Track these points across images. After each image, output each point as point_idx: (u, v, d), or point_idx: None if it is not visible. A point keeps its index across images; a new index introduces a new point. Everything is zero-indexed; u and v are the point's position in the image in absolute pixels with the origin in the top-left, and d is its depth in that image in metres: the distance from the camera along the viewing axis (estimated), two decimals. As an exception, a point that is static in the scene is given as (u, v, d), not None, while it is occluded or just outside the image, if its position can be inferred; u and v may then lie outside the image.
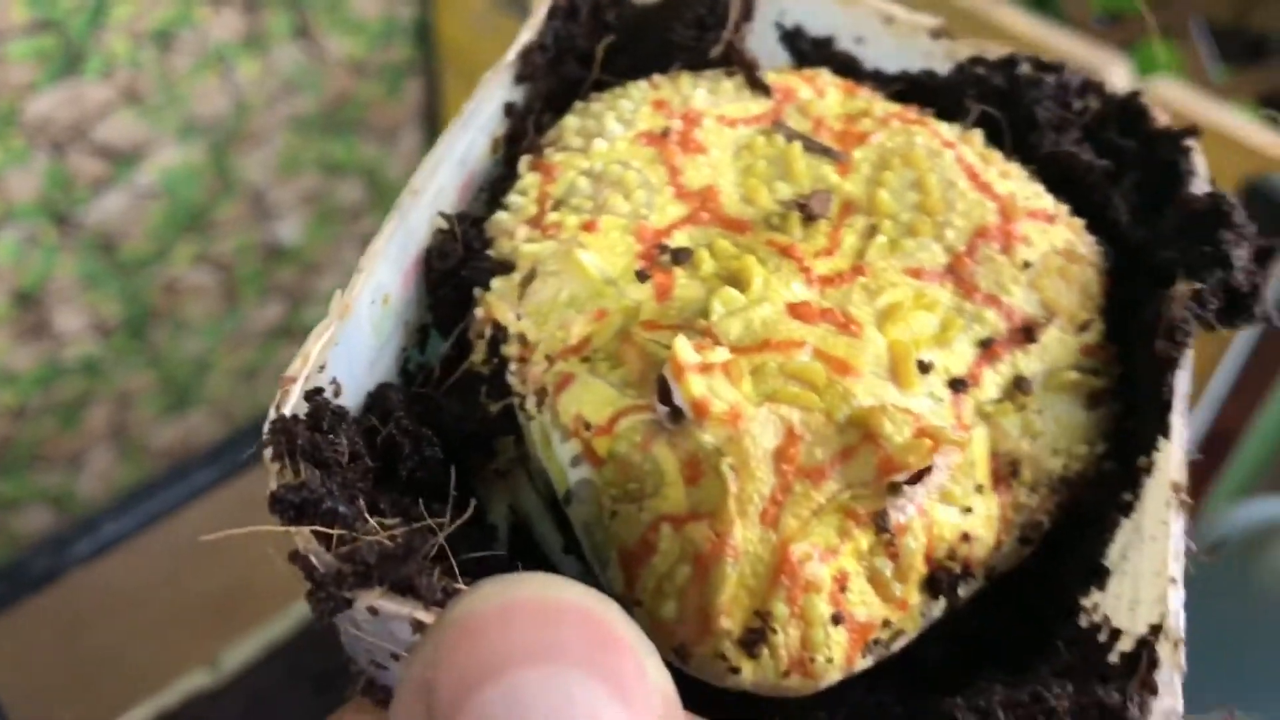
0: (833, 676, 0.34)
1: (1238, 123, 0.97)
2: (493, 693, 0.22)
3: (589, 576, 0.36)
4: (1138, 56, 1.09)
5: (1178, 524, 0.35)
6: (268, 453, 0.34)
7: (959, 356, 0.39)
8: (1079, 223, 0.45)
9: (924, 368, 0.38)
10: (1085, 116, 0.48)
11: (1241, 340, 1.02)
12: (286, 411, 0.36)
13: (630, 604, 0.34)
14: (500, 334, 0.42)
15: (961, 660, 0.39)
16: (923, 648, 0.38)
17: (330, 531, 0.32)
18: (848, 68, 0.51)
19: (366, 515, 0.33)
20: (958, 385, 0.39)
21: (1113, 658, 0.33)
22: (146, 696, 1.27)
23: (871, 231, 0.42)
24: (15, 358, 1.61)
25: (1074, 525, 0.40)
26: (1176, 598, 0.33)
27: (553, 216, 0.43)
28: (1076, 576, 0.37)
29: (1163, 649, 0.32)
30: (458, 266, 0.44)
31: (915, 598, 0.36)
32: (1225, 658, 0.62)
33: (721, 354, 0.35)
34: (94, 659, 1.55)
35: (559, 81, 0.49)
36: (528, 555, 0.42)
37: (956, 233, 0.42)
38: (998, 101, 0.48)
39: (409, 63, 1.81)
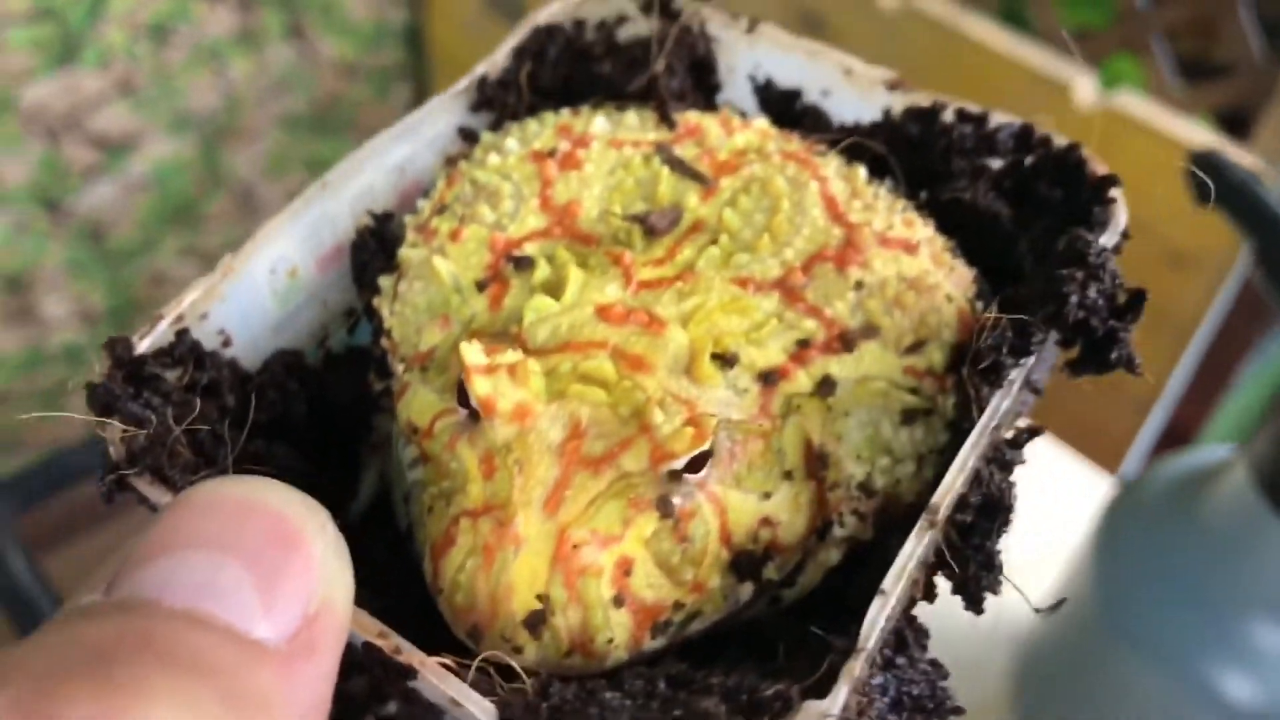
0: (618, 655, 0.36)
1: (1196, 133, 1.02)
2: (151, 566, 0.25)
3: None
4: (1104, 70, 1.13)
5: (914, 543, 0.35)
6: (103, 360, 0.39)
7: (771, 353, 0.40)
8: (950, 259, 0.45)
9: (727, 362, 0.39)
10: (1012, 166, 0.48)
11: (1197, 342, 1.06)
12: (146, 340, 0.40)
13: (436, 594, 0.36)
14: (380, 327, 0.45)
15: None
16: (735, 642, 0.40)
17: (134, 430, 0.37)
18: (815, 119, 0.52)
19: (172, 425, 0.37)
20: (768, 378, 0.39)
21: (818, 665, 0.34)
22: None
23: (710, 245, 0.43)
24: (1, 341, 1.62)
25: (883, 541, 0.40)
26: (876, 607, 0.34)
27: (434, 222, 0.45)
28: (865, 596, 0.37)
29: (851, 663, 0.33)
30: (370, 260, 0.47)
31: (715, 580, 0.37)
32: (1188, 597, 0.67)
33: (511, 356, 0.37)
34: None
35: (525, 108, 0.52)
36: (386, 521, 0.45)
37: (795, 252, 0.43)
38: (909, 148, 0.49)
39: (399, 66, 1.85)
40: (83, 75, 1.50)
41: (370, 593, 0.35)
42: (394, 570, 0.40)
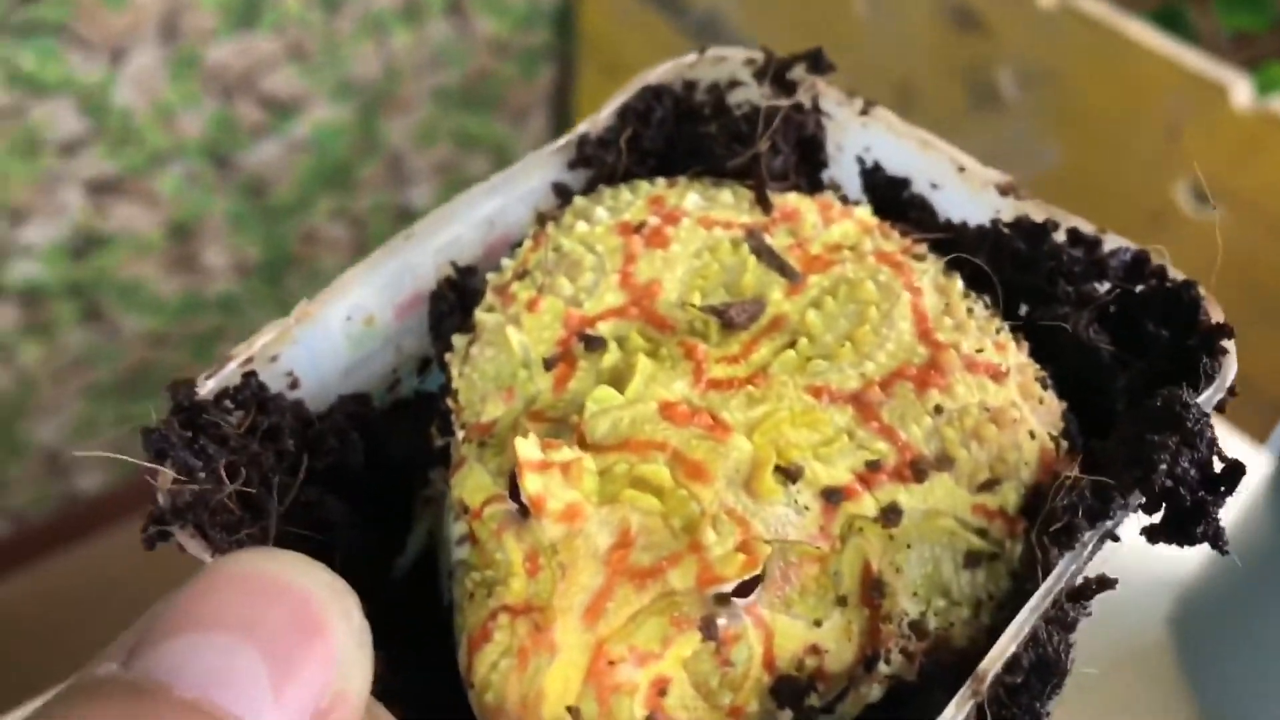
0: None
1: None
2: (170, 643, 0.24)
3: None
4: (1259, 76, 1.14)
5: (954, 711, 0.33)
6: (165, 403, 0.39)
7: (838, 472, 0.38)
8: (1039, 390, 0.42)
9: (790, 475, 0.37)
10: (1121, 296, 0.45)
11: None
12: (212, 380, 0.41)
13: (468, 686, 0.36)
14: (448, 384, 0.44)
15: None
16: None
17: (183, 479, 0.37)
18: (921, 211, 0.50)
19: (223, 477, 0.38)
20: (832, 495, 0.37)
21: None
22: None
23: (787, 347, 0.41)
24: (164, 286, 1.72)
25: (927, 690, 0.38)
26: None
27: (514, 287, 0.44)
28: None
29: None
30: (448, 312, 0.46)
31: (754, 705, 0.36)
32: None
33: (566, 454, 0.36)
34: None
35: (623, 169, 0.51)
36: (428, 579, 0.45)
37: (876, 367, 0.40)
38: (1014, 263, 0.46)
39: (547, 48, 1.91)
40: (259, 38, 1.59)
41: (401, 664, 0.36)
42: (431, 637, 0.40)
